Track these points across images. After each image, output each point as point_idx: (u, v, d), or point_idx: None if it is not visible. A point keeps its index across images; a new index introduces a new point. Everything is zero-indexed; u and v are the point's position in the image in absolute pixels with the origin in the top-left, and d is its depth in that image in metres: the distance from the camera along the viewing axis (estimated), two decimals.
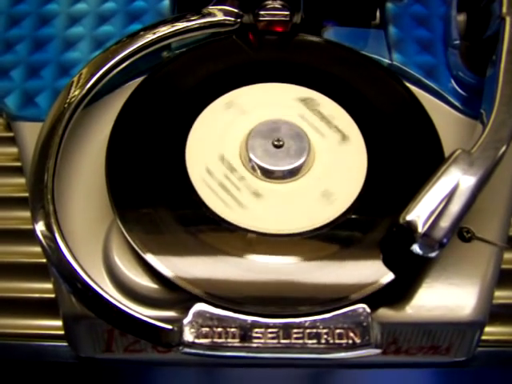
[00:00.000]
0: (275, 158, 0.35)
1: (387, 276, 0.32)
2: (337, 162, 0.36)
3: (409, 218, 0.30)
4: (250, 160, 0.35)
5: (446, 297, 0.33)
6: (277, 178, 0.35)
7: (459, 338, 0.34)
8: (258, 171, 0.35)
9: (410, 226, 0.30)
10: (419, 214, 0.30)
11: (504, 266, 0.35)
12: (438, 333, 0.34)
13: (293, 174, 0.35)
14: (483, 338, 0.35)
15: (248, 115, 0.37)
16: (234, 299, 0.31)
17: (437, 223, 0.30)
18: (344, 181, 0.35)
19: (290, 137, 0.36)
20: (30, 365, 0.37)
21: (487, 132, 0.33)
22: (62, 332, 0.35)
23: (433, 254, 0.31)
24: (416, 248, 0.31)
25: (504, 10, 0.37)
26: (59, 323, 0.35)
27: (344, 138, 0.36)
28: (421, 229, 0.30)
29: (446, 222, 0.30)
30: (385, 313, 0.33)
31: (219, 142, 0.36)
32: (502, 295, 0.35)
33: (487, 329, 0.35)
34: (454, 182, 0.31)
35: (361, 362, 0.35)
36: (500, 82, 0.35)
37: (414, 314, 0.33)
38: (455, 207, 0.31)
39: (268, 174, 0.35)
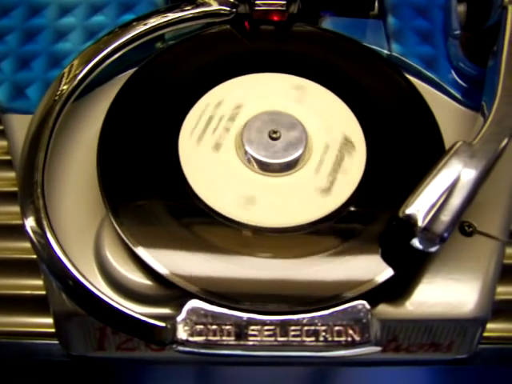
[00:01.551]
0: (272, 151, 0.34)
1: (387, 272, 0.31)
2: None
3: (408, 211, 0.30)
4: (246, 153, 0.34)
5: (447, 293, 0.33)
6: (273, 171, 0.34)
7: (460, 335, 0.33)
8: (255, 164, 0.34)
9: (410, 220, 0.30)
10: (419, 207, 0.30)
11: (506, 261, 0.34)
12: (439, 330, 0.33)
13: (290, 167, 0.34)
14: (485, 334, 0.34)
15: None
16: (229, 296, 0.30)
17: (437, 217, 0.29)
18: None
19: (286, 128, 0.35)
20: (21, 363, 0.36)
21: (488, 124, 0.33)
22: (54, 330, 0.34)
23: (433, 249, 0.30)
24: (416, 242, 0.30)
25: None
26: (51, 321, 0.34)
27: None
28: (421, 223, 0.29)
29: (446, 216, 0.29)
30: (384, 309, 0.32)
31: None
32: (505, 291, 0.34)
33: (489, 325, 0.34)
34: (455, 174, 0.31)
35: (360, 360, 0.34)
36: (501, 73, 0.34)
37: (414, 310, 0.32)
38: (456, 200, 0.30)
39: (264, 167, 0.34)
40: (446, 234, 0.30)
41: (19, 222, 0.32)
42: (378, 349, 0.30)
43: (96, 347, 0.34)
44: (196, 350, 0.29)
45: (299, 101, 0.37)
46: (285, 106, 0.36)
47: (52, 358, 0.35)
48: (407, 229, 0.30)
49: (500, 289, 0.34)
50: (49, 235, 0.31)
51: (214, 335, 0.29)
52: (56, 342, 0.35)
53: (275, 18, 0.40)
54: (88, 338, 0.34)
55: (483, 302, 0.33)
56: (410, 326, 0.33)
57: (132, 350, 0.34)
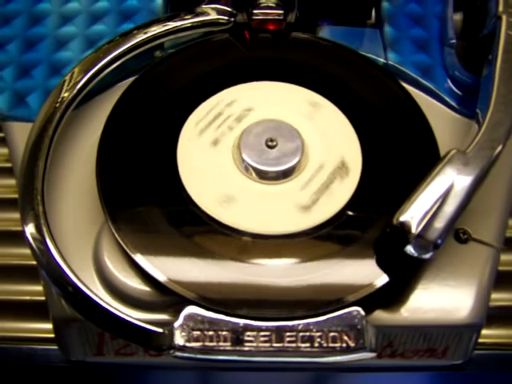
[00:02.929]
0: (269, 159, 0.35)
1: (382, 278, 0.32)
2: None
3: (402, 218, 0.30)
4: (243, 161, 0.35)
5: (442, 299, 0.33)
6: (270, 179, 0.35)
7: (456, 341, 0.34)
8: (252, 172, 0.35)
9: (404, 227, 0.30)
10: (413, 214, 0.30)
11: (501, 268, 0.35)
12: (434, 335, 0.33)
13: (286, 174, 0.35)
14: (480, 340, 0.34)
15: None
16: (226, 302, 0.31)
17: (431, 224, 0.30)
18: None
19: (284, 139, 0.35)
20: (21, 368, 0.36)
21: (483, 131, 0.33)
22: (53, 335, 0.35)
23: (427, 256, 0.30)
24: (410, 249, 0.30)
25: (500, 8, 0.37)
26: (50, 326, 0.34)
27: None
28: (414, 230, 0.30)
29: (440, 223, 0.30)
30: (380, 315, 0.32)
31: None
32: (499, 297, 0.35)
33: (484, 331, 0.34)
34: (449, 182, 0.31)
35: (355, 366, 0.34)
36: (496, 81, 0.34)
37: (409, 316, 0.33)
38: (450, 208, 0.30)
39: (262, 175, 0.35)
40: (439, 241, 0.30)
41: (19, 228, 0.33)
42: (373, 355, 0.30)
43: (95, 352, 0.34)
44: (193, 355, 0.30)
45: (309, 117, 0.37)
46: (293, 118, 0.36)
47: (51, 363, 0.36)
48: (401, 236, 0.30)
49: (495, 295, 0.34)
50: (48, 242, 0.32)
51: (211, 341, 0.30)
52: (55, 347, 0.35)
53: (273, 27, 0.40)
54: (87, 343, 0.34)
55: (478, 308, 0.33)
56: (405, 332, 0.33)
57: (130, 355, 0.34)
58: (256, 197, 0.34)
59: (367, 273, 0.32)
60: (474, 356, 0.35)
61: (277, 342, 0.30)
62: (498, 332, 0.35)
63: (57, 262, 0.31)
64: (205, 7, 0.40)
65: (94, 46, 0.40)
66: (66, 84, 0.37)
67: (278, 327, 0.30)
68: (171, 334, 0.30)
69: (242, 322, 0.30)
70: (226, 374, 0.37)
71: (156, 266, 0.32)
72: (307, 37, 0.40)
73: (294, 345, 0.29)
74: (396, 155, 0.36)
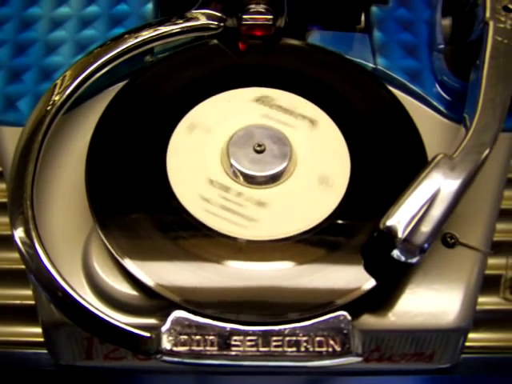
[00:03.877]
0: (256, 164, 0.35)
1: (369, 282, 0.32)
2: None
3: (389, 223, 0.30)
4: (231, 166, 0.35)
5: (429, 303, 0.33)
6: (258, 184, 0.35)
7: (443, 345, 0.34)
8: (240, 177, 0.35)
9: (391, 232, 0.30)
10: (400, 219, 0.30)
11: (488, 272, 0.35)
12: (422, 339, 0.33)
13: (274, 179, 0.35)
14: (467, 344, 0.35)
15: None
16: (213, 306, 0.31)
17: (417, 228, 0.30)
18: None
19: (271, 141, 0.35)
20: (10, 372, 0.36)
21: (470, 136, 0.33)
22: (42, 339, 0.35)
23: (414, 260, 0.30)
24: (396, 253, 0.30)
25: (487, 14, 0.37)
26: (39, 330, 0.34)
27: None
28: (401, 234, 0.30)
29: (426, 227, 0.30)
30: (367, 320, 0.33)
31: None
32: (486, 301, 0.35)
33: (471, 335, 0.34)
34: (436, 186, 0.31)
35: (343, 370, 0.34)
36: (483, 86, 0.35)
37: (396, 320, 0.33)
38: (436, 212, 0.30)
39: (249, 180, 0.35)
40: (426, 245, 0.30)
41: (8, 232, 0.33)
42: (359, 359, 0.30)
43: (84, 356, 0.34)
44: (180, 359, 0.30)
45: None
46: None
47: (41, 367, 0.36)
48: (388, 240, 0.30)
49: (482, 299, 0.34)
50: (37, 246, 0.32)
51: (198, 345, 0.30)
52: (45, 351, 0.35)
53: (262, 33, 0.40)
54: (76, 347, 0.34)
55: (465, 312, 0.33)
56: (392, 336, 0.33)
57: (119, 359, 0.34)
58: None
59: (354, 277, 0.32)
60: (462, 360, 0.35)
61: (263, 347, 0.30)
62: (485, 336, 0.35)
63: (45, 267, 0.31)
64: (195, 12, 0.40)
65: (85, 51, 0.40)
66: (56, 88, 0.37)
67: (264, 332, 0.30)
68: (158, 339, 0.30)
69: (228, 326, 0.30)
70: (215, 378, 0.37)
71: (144, 270, 0.32)
72: (296, 42, 0.40)
73: (280, 349, 0.30)
74: (384, 160, 0.36)
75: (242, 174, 0.35)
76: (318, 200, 0.34)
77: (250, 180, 0.35)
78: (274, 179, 0.35)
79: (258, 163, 0.35)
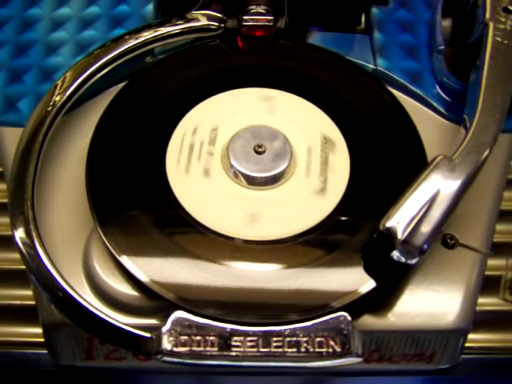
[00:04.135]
0: (257, 165, 0.35)
1: (369, 283, 0.32)
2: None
3: (388, 224, 0.30)
4: (232, 167, 0.35)
5: (429, 304, 0.33)
6: (259, 185, 0.35)
7: (443, 346, 0.34)
8: (241, 178, 0.35)
9: (390, 233, 0.30)
10: (399, 220, 0.30)
11: (488, 273, 0.35)
12: (421, 340, 0.33)
13: (275, 180, 0.35)
14: (467, 345, 0.35)
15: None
16: (213, 307, 0.31)
17: (417, 229, 0.30)
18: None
19: (271, 142, 0.35)
20: (11, 372, 0.36)
21: (469, 137, 0.33)
22: (43, 340, 0.35)
23: (413, 261, 0.31)
24: (396, 254, 0.30)
25: (487, 15, 0.37)
26: (40, 331, 0.34)
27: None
28: (400, 235, 0.30)
29: (426, 229, 0.30)
30: (367, 320, 0.33)
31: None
32: (486, 302, 0.35)
33: (471, 336, 0.34)
34: (435, 188, 0.31)
35: (343, 370, 0.35)
36: (483, 87, 0.35)
37: (396, 321, 0.33)
38: (436, 213, 0.30)
39: (250, 181, 0.35)
40: (425, 247, 0.30)
41: (9, 233, 0.33)
42: (359, 360, 0.30)
43: (84, 357, 0.34)
44: (180, 360, 0.30)
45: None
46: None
47: (41, 368, 0.36)
48: (387, 241, 0.30)
49: (481, 300, 0.35)
50: (38, 246, 0.32)
51: (198, 346, 0.30)
52: (45, 351, 0.35)
53: (263, 33, 0.40)
54: (76, 347, 0.34)
55: (465, 312, 0.33)
56: (392, 337, 0.33)
57: (120, 359, 0.34)
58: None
59: (354, 278, 0.32)
60: (461, 360, 0.35)
61: (263, 347, 0.30)
62: (485, 336, 0.35)
63: (46, 267, 0.31)
64: (195, 13, 0.40)
65: (85, 52, 0.40)
66: (57, 89, 0.37)
67: (264, 332, 0.30)
68: (159, 339, 0.30)
69: (229, 327, 0.30)
70: (216, 378, 0.37)
71: (144, 270, 0.32)
72: (296, 43, 0.40)
73: (280, 350, 0.30)
74: (384, 161, 0.36)
75: (243, 174, 0.35)
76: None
77: (251, 181, 0.35)
78: (274, 180, 0.35)
79: (258, 164, 0.35)
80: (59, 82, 0.37)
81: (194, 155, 0.36)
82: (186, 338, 0.30)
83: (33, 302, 0.34)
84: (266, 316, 0.31)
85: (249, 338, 0.30)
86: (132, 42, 0.39)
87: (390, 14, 0.42)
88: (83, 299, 0.31)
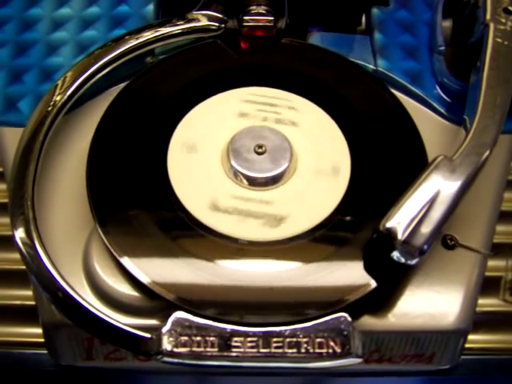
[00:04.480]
0: (257, 165, 0.35)
1: (369, 284, 0.32)
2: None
3: (389, 224, 0.30)
4: (232, 167, 0.35)
5: (429, 304, 0.33)
6: (259, 185, 0.35)
7: (443, 346, 0.34)
8: (241, 179, 0.35)
9: (390, 233, 0.30)
10: (399, 220, 0.30)
11: (488, 274, 0.35)
12: (422, 341, 0.33)
13: (275, 180, 0.35)
14: (467, 345, 0.35)
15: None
16: (213, 307, 0.31)
17: (417, 230, 0.30)
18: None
19: (271, 143, 0.35)
20: (10, 373, 0.36)
21: (469, 138, 0.33)
22: (43, 340, 0.35)
23: (413, 262, 0.31)
24: (396, 255, 0.31)
25: (488, 16, 0.37)
26: (40, 331, 0.34)
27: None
28: (401, 236, 0.30)
29: (426, 229, 0.30)
30: (367, 321, 0.33)
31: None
32: (486, 303, 0.35)
33: (471, 337, 0.34)
34: (435, 188, 0.31)
35: (344, 371, 0.35)
36: (483, 88, 0.35)
37: (396, 321, 0.33)
38: (436, 214, 0.30)
39: (250, 181, 0.35)
40: (425, 247, 0.30)
41: (9, 233, 0.33)
42: (359, 360, 0.30)
43: (84, 357, 0.34)
44: (180, 360, 0.30)
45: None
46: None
47: (41, 368, 0.36)
48: (388, 242, 0.30)
49: (481, 301, 0.35)
50: (38, 247, 0.32)
51: (198, 346, 0.30)
52: (45, 351, 0.35)
53: (263, 34, 0.40)
54: (76, 347, 0.34)
55: (465, 313, 0.33)
56: (392, 338, 0.33)
57: (120, 359, 0.34)
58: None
59: (354, 278, 0.32)
60: (461, 361, 0.35)
61: (264, 348, 0.30)
62: (485, 337, 0.35)
63: (46, 267, 0.31)
64: (196, 13, 0.40)
65: (86, 52, 0.40)
66: (57, 89, 0.37)
67: (264, 333, 0.30)
68: (159, 340, 0.30)
69: (229, 327, 0.30)
70: (216, 379, 0.38)
71: (144, 271, 0.32)
72: (297, 43, 0.41)
73: (280, 350, 0.30)
74: (385, 161, 0.36)
75: (243, 175, 0.35)
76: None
77: (251, 181, 0.35)
78: (275, 180, 0.35)
79: (258, 164, 0.35)
80: (59, 82, 0.37)
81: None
82: (186, 338, 0.30)
83: (33, 303, 0.34)
84: (266, 317, 0.31)
85: (249, 339, 0.30)
86: (132, 42, 0.39)
87: (390, 15, 0.42)
88: (83, 299, 0.31)
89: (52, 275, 0.31)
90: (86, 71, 0.37)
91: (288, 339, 0.30)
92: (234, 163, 0.35)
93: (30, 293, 0.35)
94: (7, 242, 0.35)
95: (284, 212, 0.34)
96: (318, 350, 0.30)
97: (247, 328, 0.30)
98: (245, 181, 0.35)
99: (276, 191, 0.35)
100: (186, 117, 0.37)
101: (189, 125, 0.37)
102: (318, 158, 0.36)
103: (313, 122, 0.37)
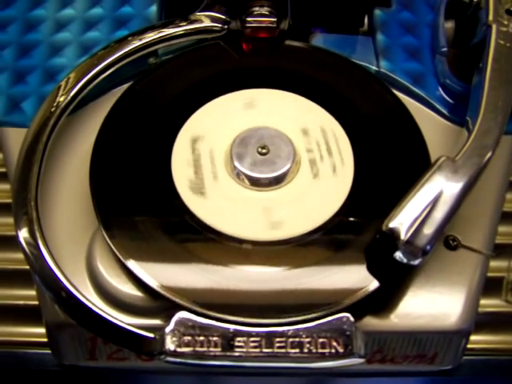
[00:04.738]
0: (260, 166, 0.35)
1: (372, 284, 0.32)
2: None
3: (392, 225, 0.30)
4: (235, 168, 0.35)
5: (431, 305, 0.33)
6: (262, 186, 0.35)
7: (445, 347, 0.34)
8: (244, 179, 0.35)
9: (393, 234, 0.30)
10: (402, 221, 0.30)
11: (490, 274, 0.35)
12: (424, 341, 0.34)
13: (278, 181, 0.35)
14: (469, 346, 0.35)
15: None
16: (217, 307, 0.31)
17: (420, 230, 0.30)
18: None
19: (274, 143, 0.35)
20: (14, 372, 0.36)
21: (472, 139, 0.33)
22: (46, 340, 0.35)
23: (416, 262, 0.31)
24: (399, 255, 0.31)
25: (490, 17, 0.37)
26: (43, 331, 0.34)
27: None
28: (403, 236, 0.30)
29: (429, 230, 0.30)
30: (370, 321, 0.33)
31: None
32: (488, 303, 0.35)
33: (473, 337, 0.35)
34: (438, 189, 0.31)
35: (346, 371, 0.35)
36: (485, 89, 0.35)
37: (399, 322, 0.33)
38: (438, 214, 0.30)
39: (253, 182, 0.35)
40: (428, 248, 0.30)
41: (13, 233, 0.33)
42: (362, 360, 0.30)
43: (87, 357, 0.35)
44: (184, 360, 0.30)
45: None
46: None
47: (44, 367, 0.36)
48: (390, 242, 0.30)
49: (484, 301, 0.35)
50: (41, 247, 0.32)
51: (202, 346, 0.30)
52: (48, 351, 0.35)
53: (266, 35, 0.40)
54: (79, 347, 0.34)
55: (467, 314, 0.33)
56: (394, 338, 0.33)
57: (123, 359, 0.35)
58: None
59: (357, 279, 0.32)
60: (463, 362, 0.35)
61: (266, 348, 0.30)
62: (487, 338, 0.35)
63: (50, 267, 0.32)
64: (199, 14, 0.40)
65: (89, 53, 0.40)
66: (60, 90, 0.37)
67: (267, 333, 0.30)
68: (162, 339, 0.30)
69: (232, 327, 0.30)
70: (219, 379, 0.38)
71: (148, 271, 0.32)
72: (299, 44, 0.41)
73: (283, 350, 0.30)
74: (387, 162, 0.36)
75: (246, 176, 0.35)
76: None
77: (254, 182, 0.35)
78: (278, 181, 0.35)
79: (261, 165, 0.35)
80: (63, 83, 0.37)
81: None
82: (189, 338, 0.30)
83: (36, 302, 0.35)
84: (270, 317, 0.31)
85: (252, 339, 0.30)
86: (136, 43, 0.39)
87: (392, 16, 0.42)
88: (87, 299, 0.31)
89: (55, 275, 0.31)
90: (90, 72, 0.38)
91: (291, 339, 0.30)
92: (236, 164, 0.35)
93: (33, 293, 0.35)
94: (11, 242, 0.35)
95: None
96: (320, 350, 0.30)
97: (250, 328, 0.30)
98: (247, 181, 0.35)
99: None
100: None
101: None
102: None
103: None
